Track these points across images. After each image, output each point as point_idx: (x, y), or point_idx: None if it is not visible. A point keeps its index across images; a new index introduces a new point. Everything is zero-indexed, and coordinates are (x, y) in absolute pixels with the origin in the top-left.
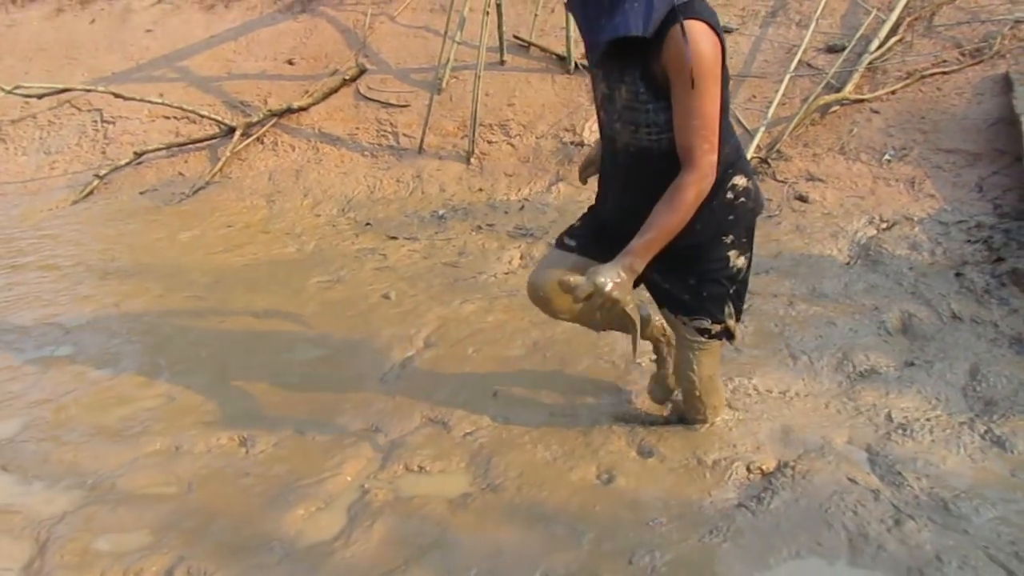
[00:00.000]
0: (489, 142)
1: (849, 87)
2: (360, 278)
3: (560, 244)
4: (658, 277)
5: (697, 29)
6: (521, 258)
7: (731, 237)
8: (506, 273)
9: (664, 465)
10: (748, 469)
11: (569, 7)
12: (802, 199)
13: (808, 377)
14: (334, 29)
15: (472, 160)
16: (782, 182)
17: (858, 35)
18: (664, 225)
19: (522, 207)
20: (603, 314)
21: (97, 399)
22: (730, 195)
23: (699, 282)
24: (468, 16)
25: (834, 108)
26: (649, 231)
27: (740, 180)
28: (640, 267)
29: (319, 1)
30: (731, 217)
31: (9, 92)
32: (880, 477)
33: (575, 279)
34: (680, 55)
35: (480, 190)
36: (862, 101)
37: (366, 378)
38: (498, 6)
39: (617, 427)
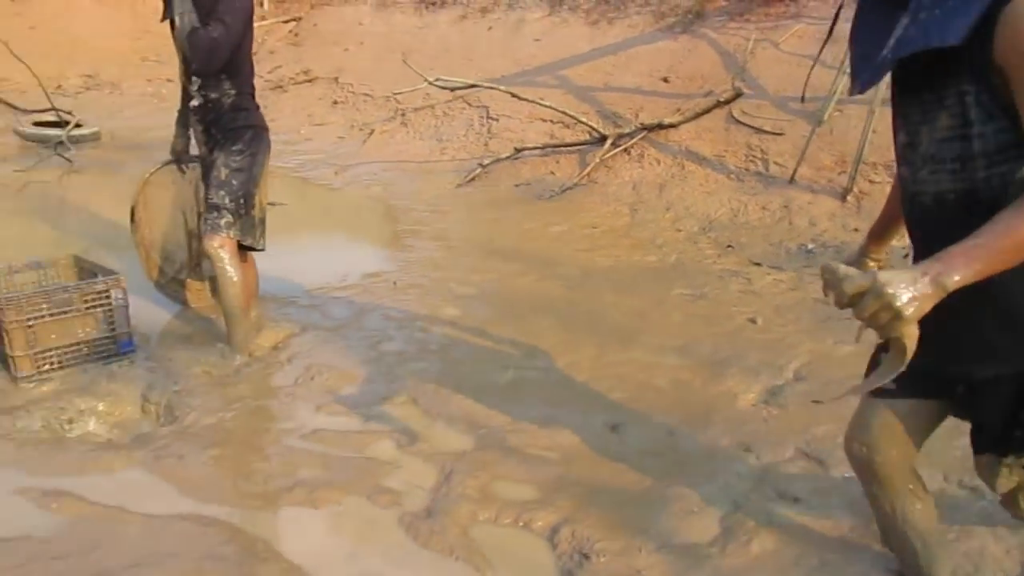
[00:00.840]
0: (871, 181)
1: None
2: (724, 298)
3: (876, 391)
4: (962, 405)
5: None
6: None
7: None
8: None
9: None
10: None
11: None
12: None
13: None
14: (713, 51)
15: (849, 198)
16: None
17: None
18: (1009, 230)
19: (906, 255)
20: (875, 331)
21: (484, 360)
22: None
23: None
24: None
25: None
26: (980, 235)
27: None
28: (952, 284)
29: (701, 23)
30: None
31: (431, 83)
32: None
33: (845, 268)
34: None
35: (856, 230)
36: None
37: (734, 396)
38: None
39: (981, 520)
